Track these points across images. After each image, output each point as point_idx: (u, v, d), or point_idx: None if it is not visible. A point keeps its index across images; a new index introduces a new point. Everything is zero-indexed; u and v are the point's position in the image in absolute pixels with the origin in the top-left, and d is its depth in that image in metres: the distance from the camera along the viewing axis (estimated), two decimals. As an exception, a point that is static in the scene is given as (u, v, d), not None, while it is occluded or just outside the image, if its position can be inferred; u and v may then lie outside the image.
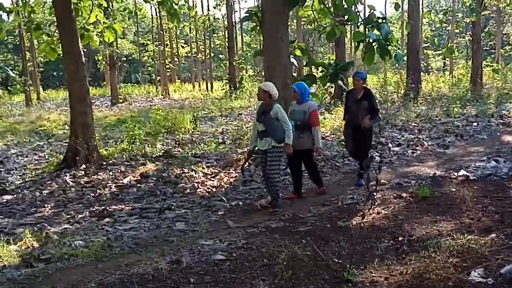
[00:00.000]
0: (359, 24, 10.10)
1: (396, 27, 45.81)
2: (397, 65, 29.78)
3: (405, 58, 21.43)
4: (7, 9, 12.76)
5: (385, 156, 10.15)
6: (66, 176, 10.16)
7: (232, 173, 9.58)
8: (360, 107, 7.84)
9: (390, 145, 11.38)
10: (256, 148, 7.22)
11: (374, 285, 4.12)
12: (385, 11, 31.90)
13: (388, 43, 9.32)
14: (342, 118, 8.62)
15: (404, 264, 4.49)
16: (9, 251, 5.66)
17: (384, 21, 9.37)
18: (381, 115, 14.99)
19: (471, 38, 24.95)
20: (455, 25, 35.28)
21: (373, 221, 5.85)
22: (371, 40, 9.37)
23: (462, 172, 8.15)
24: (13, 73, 33.87)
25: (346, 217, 6.06)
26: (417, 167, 9.21)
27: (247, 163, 8.04)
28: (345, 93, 9.00)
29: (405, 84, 21.57)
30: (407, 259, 4.60)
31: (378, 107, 8.27)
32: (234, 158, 10.45)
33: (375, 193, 6.28)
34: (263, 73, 13.49)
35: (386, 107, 16.36)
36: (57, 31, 11.80)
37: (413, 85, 20.15)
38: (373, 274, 4.33)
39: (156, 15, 38.78)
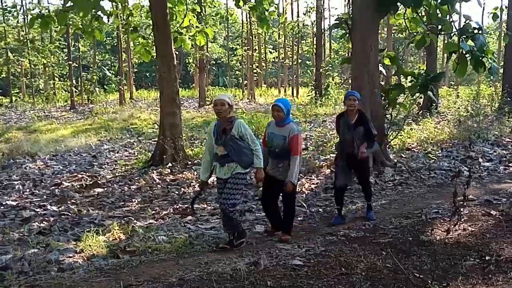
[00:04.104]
0: (452, 34, 9.78)
1: (493, 38, 43.84)
2: (491, 77, 28.48)
3: (501, 71, 20.47)
4: (108, 12, 13.44)
5: (474, 171, 9.73)
6: (153, 173, 10.57)
7: (313, 179, 9.56)
8: (355, 134, 6.61)
9: (480, 160, 10.89)
10: (215, 177, 5.83)
11: (456, 303, 3.97)
12: (482, 21, 30.62)
13: (483, 54, 8.95)
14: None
15: (490, 284, 4.29)
16: (98, 241, 5.97)
17: (480, 31, 9.01)
18: (473, 128, 14.55)
19: None
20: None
21: (458, 238, 5.63)
22: (464, 51, 9.04)
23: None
24: (110, 72, 35.60)
25: (430, 232, 5.86)
26: (509, 184, 8.74)
27: (197, 199, 6.53)
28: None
29: (499, 97, 20.57)
30: (493, 279, 4.39)
31: (376, 133, 6.91)
32: (317, 165, 10.42)
33: (461, 209, 6.04)
34: (349, 81, 13.36)
35: (478, 120, 15.70)
36: (152, 34, 12.32)
37: (508, 99, 19.14)
38: (456, 292, 4.17)
39: (246, 20, 39.41)
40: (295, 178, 5.77)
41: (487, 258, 4.91)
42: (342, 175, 6.78)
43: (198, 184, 6.02)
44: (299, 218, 7.09)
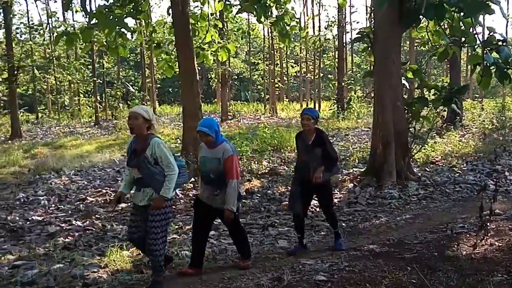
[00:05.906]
0: (476, 46, 9.69)
1: (518, 50, 43.27)
2: (517, 89, 28.11)
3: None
4: (131, 29, 13.62)
5: (500, 184, 9.57)
6: (178, 188, 10.59)
7: (336, 193, 9.50)
8: (312, 155, 5.98)
9: (506, 173, 10.73)
10: (128, 198, 5.02)
11: (484, 320, 3.88)
12: (506, 33, 30.25)
13: (508, 66, 8.84)
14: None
15: (518, 301, 4.20)
16: (122, 257, 6.00)
17: (504, 43, 8.91)
18: (498, 141, 14.33)
19: None
20: None
21: (485, 253, 5.52)
22: (488, 64, 8.94)
23: None
24: (133, 88, 35.98)
25: (456, 247, 5.76)
26: (536, 198, 8.60)
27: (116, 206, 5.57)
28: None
29: (525, 109, 20.30)
30: (522, 296, 4.30)
31: (336, 155, 6.33)
32: (339, 179, 10.36)
33: (488, 223, 5.94)
34: (372, 95, 13.30)
35: (504, 133, 15.49)
36: (175, 49, 12.45)
37: (534, 111, 18.91)
38: (484, 309, 4.09)
39: (268, 35, 39.61)
40: (234, 205, 5.16)
41: (515, 274, 4.81)
42: (297, 201, 6.15)
43: (117, 194, 5.19)
44: (322, 233, 7.06)
